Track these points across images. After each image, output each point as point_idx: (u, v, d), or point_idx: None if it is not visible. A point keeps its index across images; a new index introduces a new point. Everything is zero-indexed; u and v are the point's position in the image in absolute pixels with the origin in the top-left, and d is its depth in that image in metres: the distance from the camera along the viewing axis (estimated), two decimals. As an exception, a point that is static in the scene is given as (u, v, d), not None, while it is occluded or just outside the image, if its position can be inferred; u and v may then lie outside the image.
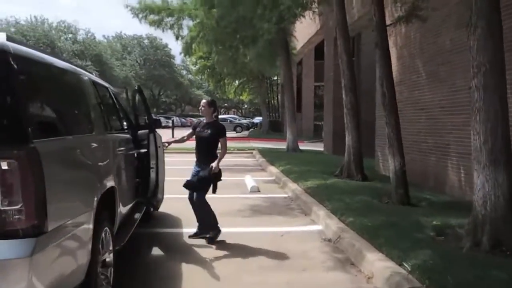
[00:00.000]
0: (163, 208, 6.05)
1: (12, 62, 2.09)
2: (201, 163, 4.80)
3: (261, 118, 40.14)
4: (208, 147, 4.84)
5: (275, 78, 41.33)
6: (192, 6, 15.68)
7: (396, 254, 3.89)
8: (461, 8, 5.95)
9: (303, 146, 17.45)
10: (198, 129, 4.95)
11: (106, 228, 2.96)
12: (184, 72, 65.46)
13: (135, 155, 4.74)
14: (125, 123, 4.83)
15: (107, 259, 3.01)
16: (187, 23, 17.41)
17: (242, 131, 36.71)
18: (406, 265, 3.62)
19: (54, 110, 2.55)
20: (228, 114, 60.45)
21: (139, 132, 5.00)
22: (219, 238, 4.84)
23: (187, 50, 18.19)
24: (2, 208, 1.94)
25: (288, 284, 3.67)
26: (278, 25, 12.42)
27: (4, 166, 1.93)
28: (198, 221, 4.89)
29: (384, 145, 10.51)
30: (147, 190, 4.84)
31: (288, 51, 15.93)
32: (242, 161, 14.07)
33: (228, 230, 5.20)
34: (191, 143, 5.14)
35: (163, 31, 16.39)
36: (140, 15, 15.68)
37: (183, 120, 53.54)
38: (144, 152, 4.80)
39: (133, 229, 4.05)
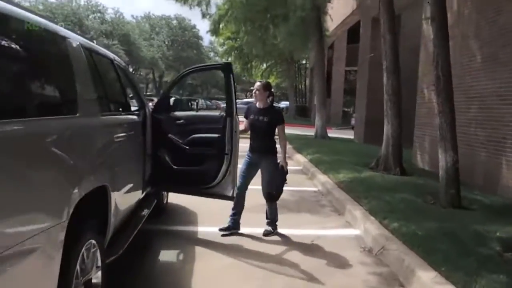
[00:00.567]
0: (177, 200, 5.42)
1: None
2: (261, 153, 4.43)
3: (287, 102, 39.14)
4: (266, 136, 4.42)
5: (304, 62, 40.21)
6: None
7: (460, 277, 3.10)
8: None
9: (331, 133, 16.54)
10: (252, 116, 4.45)
11: (91, 241, 2.27)
12: (212, 54, 64.73)
13: (144, 141, 4.07)
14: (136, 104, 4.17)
15: (94, 280, 2.34)
16: (215, 0, 16.62)
17: (268, 115, 35.74)
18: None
19: (14, 81, 1.85)
20: (253, 97, 59.49)
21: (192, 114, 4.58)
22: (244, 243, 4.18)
23: (215, 29, 17.41)
24: None
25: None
26: (313, 1, 11.47)
27: None
28: (269, 217, 4.57)
29: (423, 136, 9.56)
30: (217, 177, 4.20)
31: (322, 32, 14.90)
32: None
33: (250, 231, 4.53)
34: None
35: (190, 7, 15.62)
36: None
37: (209, 102, 53.11)
38: (216, 138, 4.22)
39: (137, 230, 3.39)
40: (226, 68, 4.29)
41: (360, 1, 15.28)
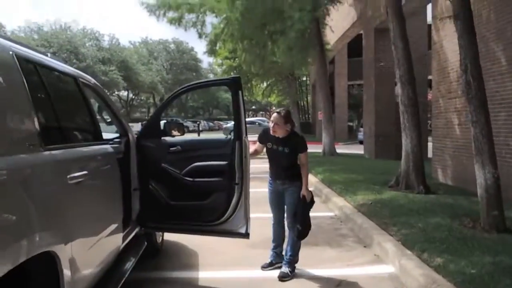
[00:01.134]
0: (175, 237, 4.67)
1: None
2: (282, 179, 3.89)
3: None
4: (287, 167, 3.87)
5: (304, 78, 39.77)
6: (214, -1, 14.33)
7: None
8: None
9: (339, 148, 15.83)
10: (269, 145, 3.89)
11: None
12: (211, 76, 64.64)
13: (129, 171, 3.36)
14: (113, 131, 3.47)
15: None
16: (210, 20, 16.13)
17: (271, 134, 35.21)
18: None
19: None
20: (255, 116, 59.18)
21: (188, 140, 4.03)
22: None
23: (212, 49, 16.89)
24: None
25: None
26: (313, 13, 10.91)
27: None
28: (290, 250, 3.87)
29: (443, 148, 8.79)
30: (226, 211, 3.50)
31: (322, 45, 14.32)
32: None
33: (261, 274, 3.78)
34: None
35: (185, 29, 15.07)
36: (158, 13, 14.40)
37: (211, 124, 52.67)
38: (223, 165, 3.58)
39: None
40: (234, 83, 3.58)
41: (361, 12, 14.78)
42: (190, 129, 40.05)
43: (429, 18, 15.77)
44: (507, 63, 6.57)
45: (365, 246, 4.64)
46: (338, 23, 16.90)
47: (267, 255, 4.01)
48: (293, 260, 3.83)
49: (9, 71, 1.88)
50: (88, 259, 2.32)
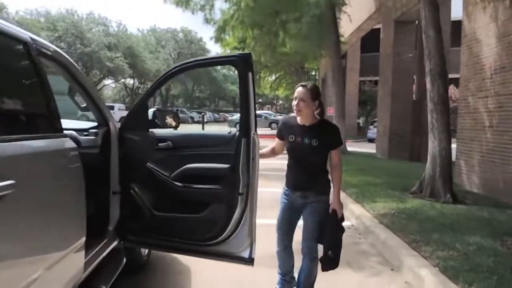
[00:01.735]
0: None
1: None
2: (304, 191, 2.87)
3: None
4: (314, 168, 2.87)
5: (313, 73, 38.81)
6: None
7: None
8: None
9: (349, 146, 15.01)
10: (291, 138, 2.87)
11: None
12: (219, 67, 63.79)
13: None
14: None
15: None
16: (219, 5, 15.33)
17: (278, 128, 34.42)
18: None
19: None
20: (262, 110, 58.40)
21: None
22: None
23: (220, 36, 16.03)
24: None
25: None
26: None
27: None
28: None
29: (470, 152, 7.95)
30: (225, 228, 2.70)
31: (337, 34, 13.47)
32: (280, 165, 11.77)
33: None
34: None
35: (192, 12, 14.28)
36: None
37: (216, 115, 51.79)
38: (224, 169, 2.78)
39: None
40: (243, 61, 2.69)
41: (381, 3, 13.90)
42: (195, 119, 39.22)
43: (453, 13, 14.89)
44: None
45: (392, 269, 3.86)
46: (354, 15, 16.02)
47: (273, 277, 3.23)
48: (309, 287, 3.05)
49: None
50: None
